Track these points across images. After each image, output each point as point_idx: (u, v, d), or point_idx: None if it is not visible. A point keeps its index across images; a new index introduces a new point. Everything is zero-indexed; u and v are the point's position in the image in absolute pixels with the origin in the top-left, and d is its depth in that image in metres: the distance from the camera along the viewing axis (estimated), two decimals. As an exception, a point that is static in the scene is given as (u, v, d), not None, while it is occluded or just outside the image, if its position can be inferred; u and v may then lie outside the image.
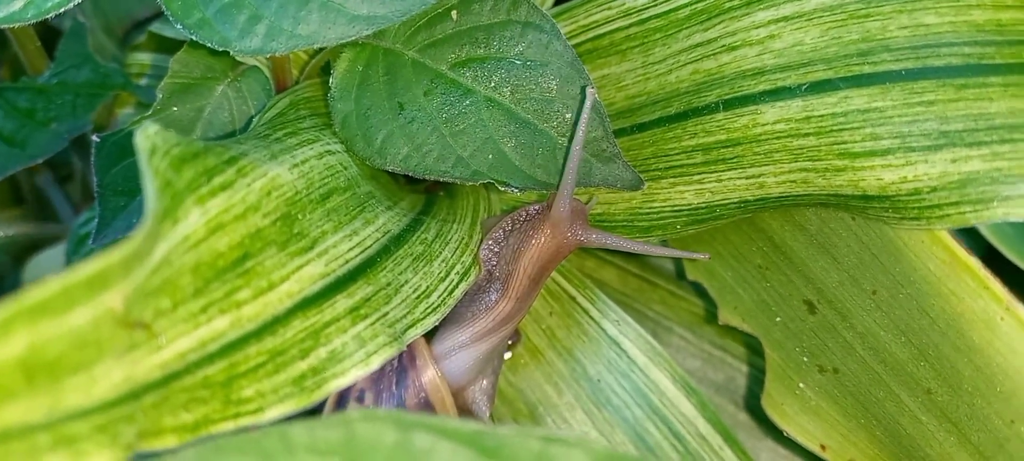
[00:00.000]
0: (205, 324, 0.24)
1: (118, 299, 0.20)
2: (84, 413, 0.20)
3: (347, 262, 0.30)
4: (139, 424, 0.21)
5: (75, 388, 0.19)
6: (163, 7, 0.32)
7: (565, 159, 0.34)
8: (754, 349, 0.44)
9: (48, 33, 0.46)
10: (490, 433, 0.22)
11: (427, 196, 0.38)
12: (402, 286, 0.32)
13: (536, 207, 0.36)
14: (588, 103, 0.33)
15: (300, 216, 0.29)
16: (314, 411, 0.31)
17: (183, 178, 0.24)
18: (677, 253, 0.38)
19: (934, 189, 0.30)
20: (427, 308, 0.32)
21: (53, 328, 0.18)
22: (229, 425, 0.24)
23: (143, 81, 0.45)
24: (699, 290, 0.42)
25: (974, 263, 0.31)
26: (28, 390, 0.18)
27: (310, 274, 0.28)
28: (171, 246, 0.23)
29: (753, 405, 0.44)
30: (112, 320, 0.20)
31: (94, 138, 0.36)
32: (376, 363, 0.28)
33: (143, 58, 0.45)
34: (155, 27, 0.44)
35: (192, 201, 0.24)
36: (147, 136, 0.23)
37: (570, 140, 0.34)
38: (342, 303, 0.29)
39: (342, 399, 0.36)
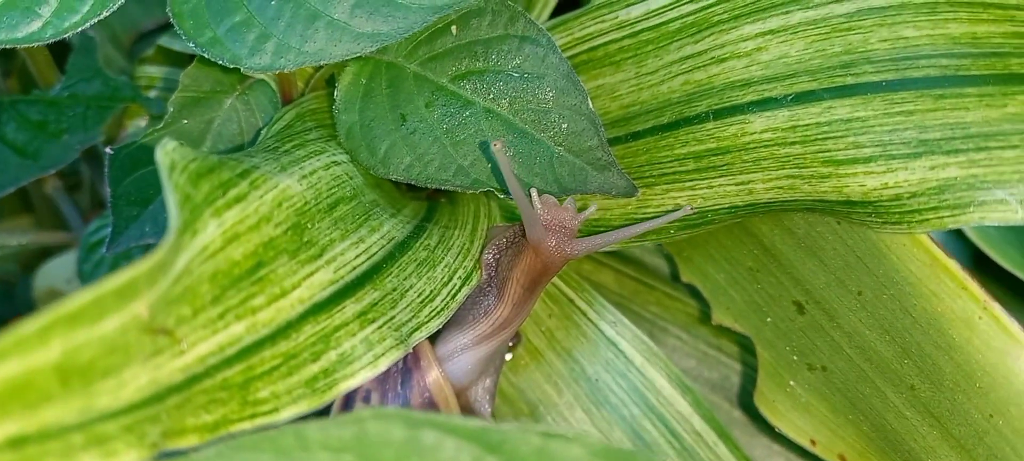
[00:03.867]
0: (223, 330, 0.26)
1: (144, 307, 0.21)
2: (114, 414, 0.21)
3: (354, 269, 0.31)
4: (163, 424, 0.23)
5: (106, 391, 0.20)
6: (175, 26, 0.33)
7: (556, 167, 0.35)
8: (747, 348, 0.45)
9: (57, 45, 0.47)
10: (494, 429, 0.23)
11: (429, 203, 0.39)
12: (407, 291, 0.33)
13: (521, 227, 0.36)
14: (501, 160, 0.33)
15: (309, 225, 0.30)
16: (322, 412, 0.32)
17: (201, 192, 0.25)
18: (660, 221, 0.36)
19: (914, 195, 0.32)
20: (431, 312, 0.33)
21: (86, 335, 0.20)
22: (246, 425, 0.25)
23: (152, 93, 0.46)
24: (693, 292, 0.43)
25: (953, 265, 0.32)
26: (63, 393, 0.19)
27: (320, 281, 0.29)
28: (191, 256, 0.24)
29: (747, 402, 0.45)
30: (139, 327, 0.21)
31: (107, 150, 0.37)
32: (384, 365, 0.29)
33: (152, 71, 0.46)
34: (163, 41, 0.45)
35: (209, 213, 0.26)
36: (166, 152, 0.25)
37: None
38: (351, 308, 0.30)
39: (349, 400, 0.37)
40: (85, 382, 0.20)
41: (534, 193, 0.35)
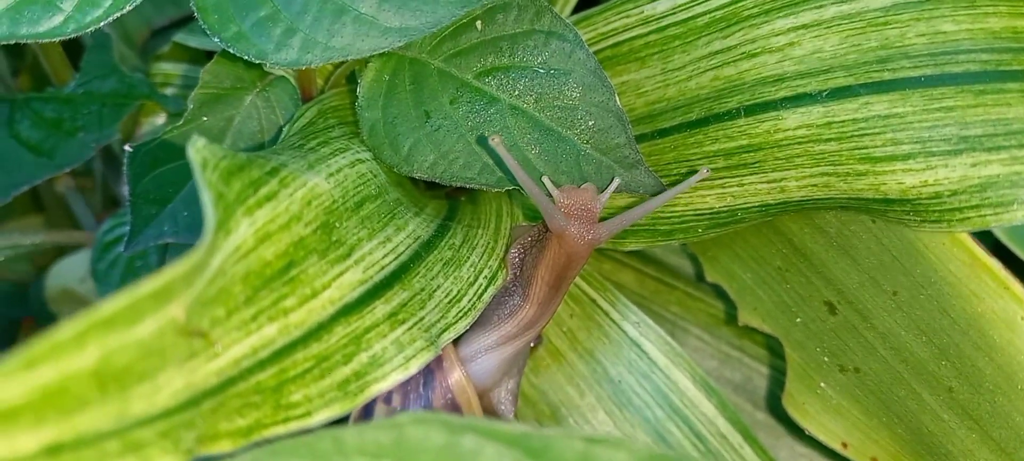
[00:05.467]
0: (256, 332, 0.25)
1: (180, 309, 0.20)
2: (150, 420, 0.20)
3: (383, 268, 0.31)
4: (198, 429, 0.22)
5: (141, 396, 0.20)
6: (199, 20, 0.32)
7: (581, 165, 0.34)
8: (772, 349, 0.44)
9: (71, 42, 0.47)
10: (536, 435, 0.23)
11: (450, 202, 0.39)
12: (435, 291, 0.32)
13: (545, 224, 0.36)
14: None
15: (338, 224, 0.30)
16: (341, 418, 0.31)
17: (232, 190, 0.25)
18: (683, 187, 0.35)
19: (955, 192, 0.31)
20: (459, 312, 0.33)
21: (122, 338, 0.19)
22: (279, 429, 0.25)
23: (168, 91, 0.45)
24: (718, 292, 0.43)
25: (994, 265, 0.32)
26: (100, 398, 0.19)
27: (350, 281, 0.29)
28: (225, 256, 0.24)
29: (771, 404, 0.44)
30: (174, 330, 0.20)
31: (126, 148, 0.37)
32: (415, 367, 0.29)
33: (167, 68, 0.46)
34: (179, 38, 0.45)
35: (241, 212, 0.25)
36: (198, 149, 0.24)
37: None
38: (380, 309, 0.29)
39: (370, 401, 0.37)
40: (121, 387, 0.19)
41: (548, 182, 0.34)
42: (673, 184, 0.37)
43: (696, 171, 0.35)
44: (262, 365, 0.25)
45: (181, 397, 0.21)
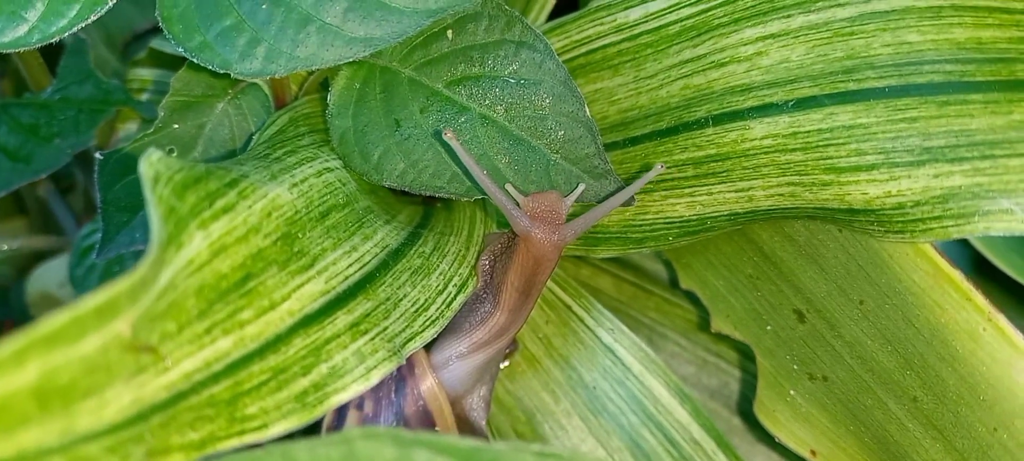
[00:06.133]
0: (209, 345, 0.25)
1: (126, 325, 0.20)
2: (96, 435, 0.21)
3: (347, 278, 0.31)
4: (148, 444, 0.22)
5: (87, 412, 0.20)
6: (164, 30, 0.32)
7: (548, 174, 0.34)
8: (747, 355, 0.44)
9: (49, 47, 0.47)
10: (486, 449, 0.23)
11: (425, 209, 0.39)
12: (401, 300, 0.32)
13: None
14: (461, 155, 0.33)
15: (300, 235, 0.30)
16: (314, 424, 0.31)
17: (186, 203, 0.25)
18: (640, 184, 0.35)
19: (917, 203, 0.31)
20: (426, 321, 0.33)
21: (64, 355, 0.19)
22: (234, 442, 0.25)
23: (144, 96, 0.45)
24: (692, 298, 0.43)
25: (957, 275, 0.32)
26: (42, 415, 0.19)
27: (310, 292, 0.29)
28: (176, 270, 0.24)
29: (746, 410, 0.44)
30: (120, 345, 0.20)
31: (97, 155, 0.37)
32: (376, 378, 0.29)
33: (144, 74, 0.46)
34: (155, 44, 0.45)
35: (195, 225, 0.25)
36: (150, 164, 0.24)
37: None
38: (342, 319, 0.29)
39: (342, 409, 0.37)
40: (65, 403, 0.19)
41: (512, 189, 0.34)
42: (645, 192, 0.37)
43: (673, 181, 0.35)
44: (216, 378, 0.25)
45: (129, 412, 0.21)
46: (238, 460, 0.22)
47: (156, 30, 0.51)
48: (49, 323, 0.19)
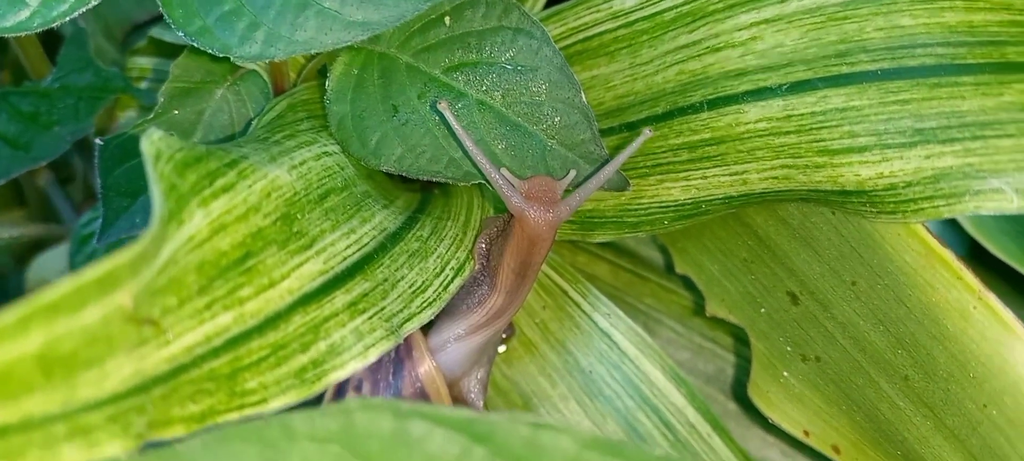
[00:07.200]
0: (210, 320, 0.25)
1: (127, 297, 0.21)
2: (97, 404, 0.21)
3: (345, 259, 0.31)
4: (149, 415, 0.22)
5: (89, 381, 0.20)
6: (164, 14, 0.33)
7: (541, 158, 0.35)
8: (742, 340, 0.44)
9: (49, 37, 0.47)
10: (481, 419, 0.23)
11: (422, 194, 0.39)
12: (399, 282, 0.32)
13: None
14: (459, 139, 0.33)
15: (299, 216, 0.30)
16: (314, 401, 0.32)
17: (187, 181, 0.25)
18: (628, 152, 0.35)
19: (909, 184, 0.31)
20: (423, 302, 0.33)
21: (67, 325, 0.19)
22: (234, 415, 0.25)
23: (143, 84, 0.45)
24: (688, 283, 0.43)
25: (948, 255, 0.32)
26: (45, 383, 0.19)
27: (309, 271, 0.29)
28: (177, 246, 0.24)
29: (741, 395, 0.44)
30: (122, 317, 0.21)
31: (97, 141, 0.37)
32: (374, 356, 0.29)
33: (143, 62, 0.46)
34: (155, 32, 0.45)
35: (196, 203, 0.25)
36: (152, 142, 0.24)
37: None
38: (341, 299, 0.30)
39: (341, 389, 0.37)
40: (67, 372, 0.20)
41: (507, 173, 0.34)
42: (640, 177, 0.37)
43: (668, 165, 0.35)
44: (216, 353, 0.25)
45: (130, 383, 0.22)
46: (238, 431, 0.22)
47: (155, 22, 0.51)
48: (50, 292, 0.19)
